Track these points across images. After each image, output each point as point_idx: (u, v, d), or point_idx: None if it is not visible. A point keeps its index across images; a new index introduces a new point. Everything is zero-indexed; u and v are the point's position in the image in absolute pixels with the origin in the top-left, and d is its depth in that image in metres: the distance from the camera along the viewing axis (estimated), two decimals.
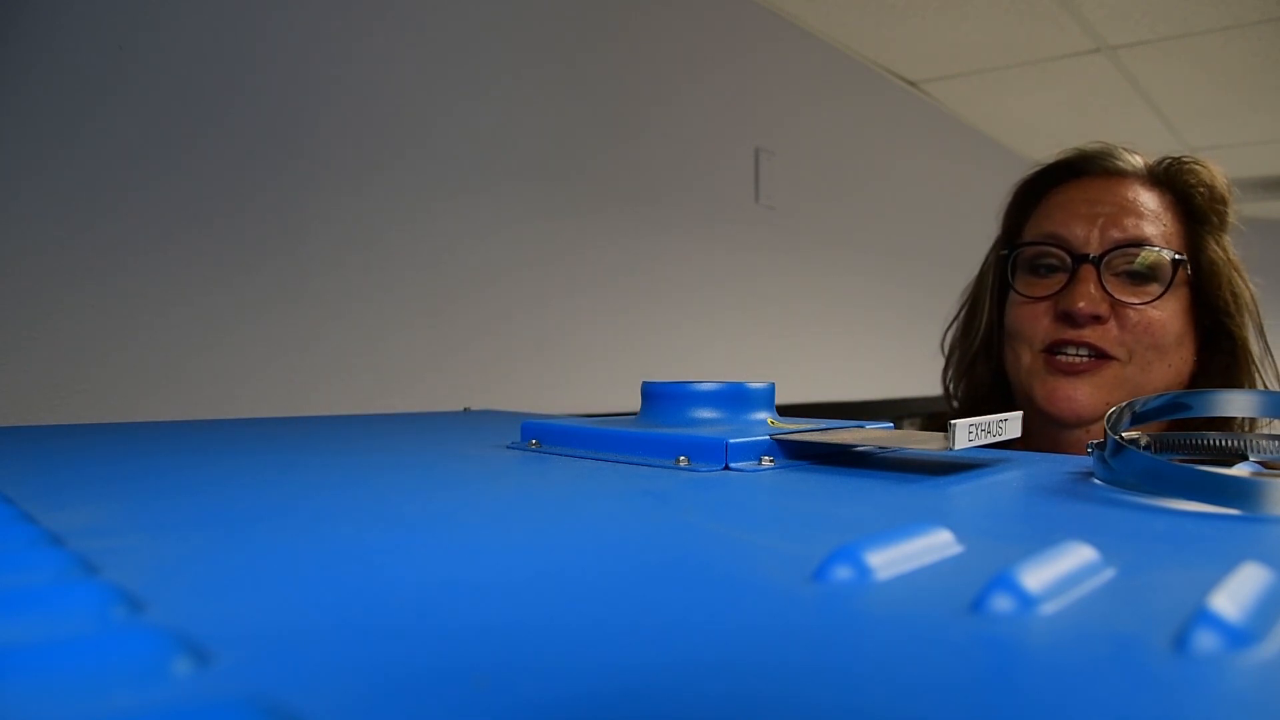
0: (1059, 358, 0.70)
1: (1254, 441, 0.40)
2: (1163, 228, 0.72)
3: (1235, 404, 0.41)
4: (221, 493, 0.33)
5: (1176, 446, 0.41)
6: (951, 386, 0.84)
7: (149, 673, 0.14)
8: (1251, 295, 0.73)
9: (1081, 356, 0.70)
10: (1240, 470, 0.35)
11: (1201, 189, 0.73)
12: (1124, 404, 0.39)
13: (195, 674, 0.14)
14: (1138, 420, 0.40)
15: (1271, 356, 0.73)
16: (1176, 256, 0.70)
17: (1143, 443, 0.40)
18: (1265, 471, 0.36)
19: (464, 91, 1.29)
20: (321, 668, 0.15)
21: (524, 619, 0.17)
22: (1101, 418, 0.69)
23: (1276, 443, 0.39)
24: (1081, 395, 0.69)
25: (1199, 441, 0.41)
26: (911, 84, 2.40)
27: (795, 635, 0.17)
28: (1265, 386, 0.72)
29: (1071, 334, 0.70)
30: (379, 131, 1.18)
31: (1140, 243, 0.70)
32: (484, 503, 0.31)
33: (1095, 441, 0.36)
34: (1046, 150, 0.86)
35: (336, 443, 0.53)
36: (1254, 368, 0.72)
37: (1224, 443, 0.41)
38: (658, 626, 0.17)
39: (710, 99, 1.77)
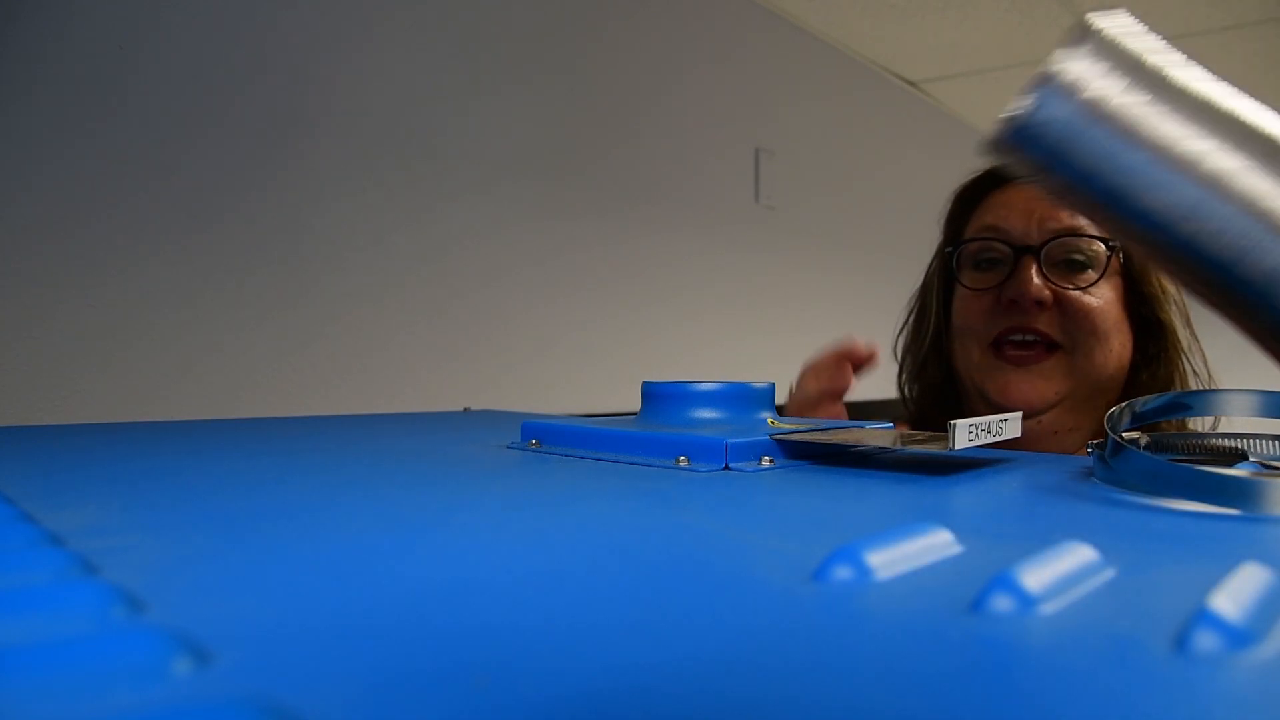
0: (1007, 350, 0.74)
1: (1254, 442, 0.40)
2: None
3: (1235, 404, 0.40)
4: (221, 493, 0.33)
5: (1176, 447, 0.41)
6: (906, 390, 0.88)
7: (149, 673, 0.14)
8: (1178, 287, 0.78)
9: (1029, 342, 0.73)
10: (1240, 470, 0.35)
11: None
12: (1124, 404, 0.39)
13: (195, 674, 0.14)
14: (1137, 420, 0.40)
15: (1198, 343, 0.79)
16: (1110, 244, 0.75)
17: (1143, 443, 0.40)
18: (1265, 471, 0.36)
19: (464, 92, 1.29)
20: (321, 668, 0.15)
21: (524, 619, 0.17)
22: (1052, 408, 0.73)
23: (1276, 443, 0.39)
24: (1029, 387, 0.73)
25: (1199, 442, 0.41)
26: (911, 84, 2.40)
27: (795, 635, 0.17)
28: (1194, 371, 0.78)
29: (1018, 321, 0.73)
30: (380, 132, 1.18)
31: (1075, 232, 0.75)
32: (484, 503, 0.31)
33: (1095, 441, 0.36)
34: None
35: (336, 443, 0.53)
36: (1182, 354, 0.78)
37: (1224, 443, 0.41)
38: (658, 626, 0.17)
39: (710, 99, 1.77)
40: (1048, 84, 0.34)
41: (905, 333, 0.88)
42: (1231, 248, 0.39)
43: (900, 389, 0.88)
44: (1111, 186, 0.40)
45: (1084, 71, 0.35)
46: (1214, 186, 0.38)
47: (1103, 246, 0.75)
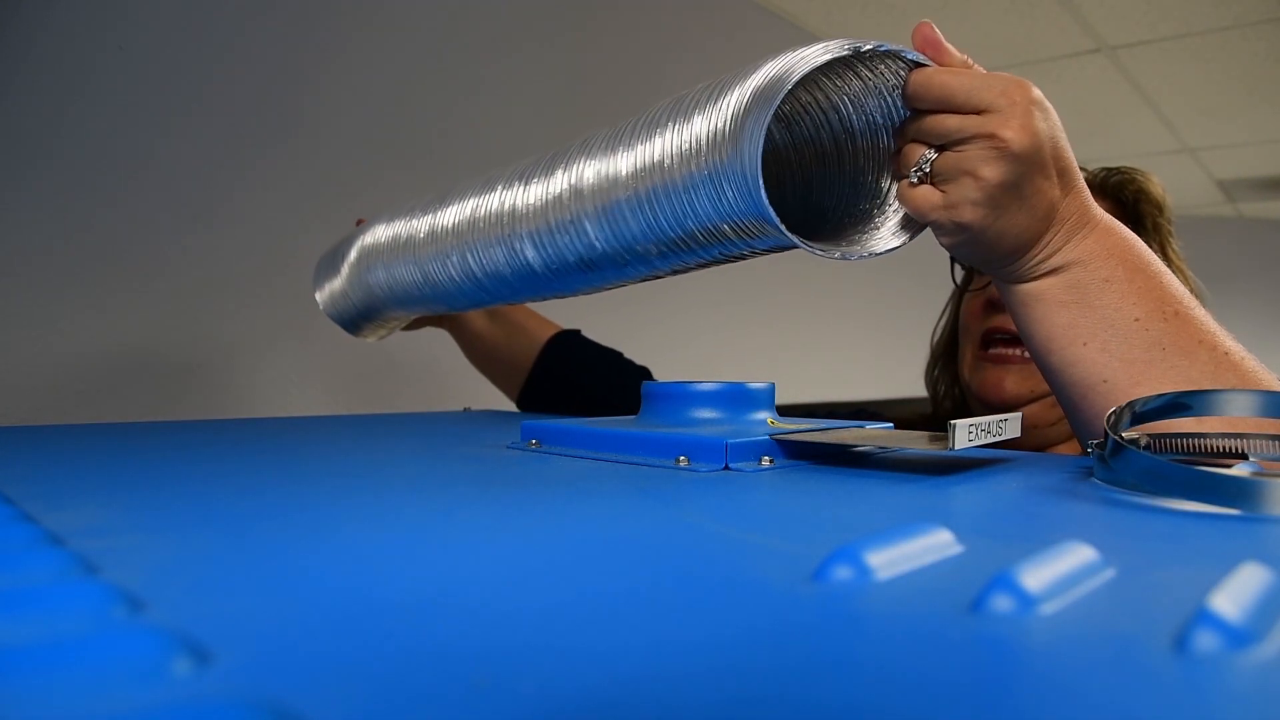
0: (990, 350, 0.77)
1: (1254, 442, 0.40)
2: None
3: (1235, 404, 0.40)
4: (221, 493, 0.33)
5: (1176, 447, 0.41)
6: (935, 388, 0.92)
7: (149, 673, 0.14)
8: (1193, 290, 0.79)
9: (1010, 341, 0.75)
10: (1240, 470, 0.35)
11: (1134, 195, 0.79)
12: (1124, 404, 0.39)
13: (195, 674, 0.14)
14: (1137, 420, 0.40)
15: None
16: None
17: (1142, 443, 0.40)
18: (1265, 472, 0.36)
19: (464, 91, 1.29)
20: (322, 668, 0.15)
21: (524, 618, 0.17)
22: (1027, 404, 0.74)
23: (1276, 443, 0.39)
24: (1004, 384, 0.75)
25: (1199, 442, 0.41)
26: None
27: (795, 635, 0.17)
28: None
29: (998, 320, 0.75)
30: (374, 130, 1.18)
31: None
32: (484, 503, 0.31)
33: (1095, 441, 0.36)
34: None
35: (337, 443, 0.53)
36: None
37: (1224, 443, 0.41)
38: (658, 626, 0.17)
39: None
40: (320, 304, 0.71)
41: (936, 332, 0.93)
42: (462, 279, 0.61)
43: (928, 387, 0.92)
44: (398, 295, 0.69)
45: (320, 297, 0.75)
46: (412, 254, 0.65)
47: None
